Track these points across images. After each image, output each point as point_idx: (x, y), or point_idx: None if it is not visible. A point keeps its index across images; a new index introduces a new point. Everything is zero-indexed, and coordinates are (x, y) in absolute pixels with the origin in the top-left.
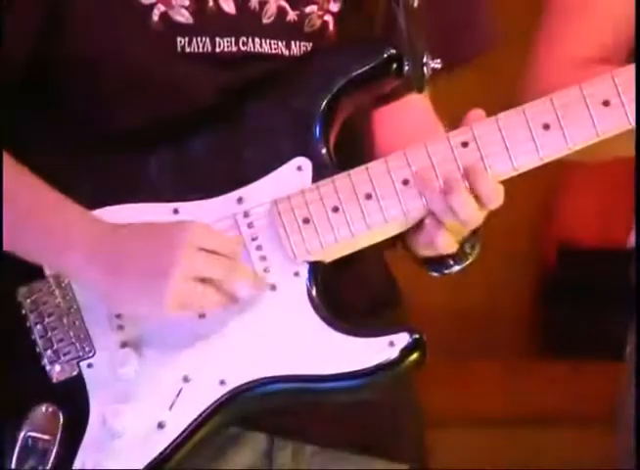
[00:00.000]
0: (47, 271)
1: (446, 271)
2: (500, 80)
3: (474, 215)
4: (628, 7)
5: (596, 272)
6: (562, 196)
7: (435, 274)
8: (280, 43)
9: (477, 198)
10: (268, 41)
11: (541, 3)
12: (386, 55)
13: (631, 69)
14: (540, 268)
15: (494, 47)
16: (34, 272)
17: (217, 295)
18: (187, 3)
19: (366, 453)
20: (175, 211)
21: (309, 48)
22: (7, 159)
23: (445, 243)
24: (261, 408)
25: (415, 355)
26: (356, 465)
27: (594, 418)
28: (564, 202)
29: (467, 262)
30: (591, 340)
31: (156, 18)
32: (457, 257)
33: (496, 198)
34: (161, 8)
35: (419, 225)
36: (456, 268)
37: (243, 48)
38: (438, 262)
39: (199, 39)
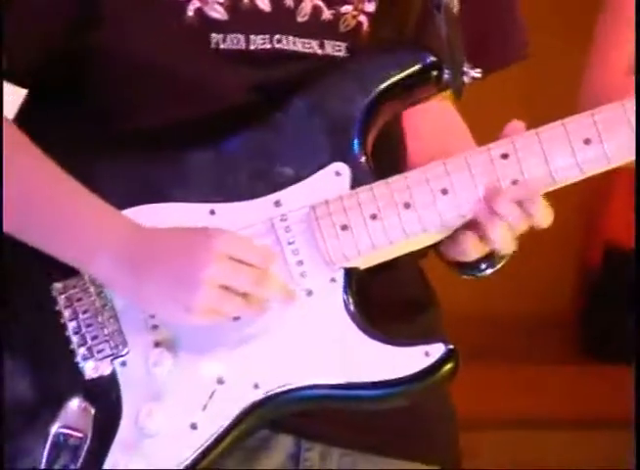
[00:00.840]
0: None
1: (479, 274)
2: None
3: (519, 221)
4: None
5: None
6: (607, 197)
7: (467, 277)
8: (314, 42)
9: (521, 207)
10: (302, 40)
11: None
12: (426, 62)
13: None
14: (585, 271)
15: (528, 56)
16: (69, 268)
17: (245, 305)
18: (221, 0)
19: (397, 456)
20: (212, 212)
21: (343, 48)
22: (41, 156)
23: (478, 252)
24: (293, 412)
25: (449, 366)
26: (387, 466)
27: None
28: (609, 203)
29: (498, 266)
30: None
31: (190, 13)
32: (490, 261)
33: (543, 210)
34: (196, 4)
35: (455, 234)
36: (488, 272)
37: (277, 46)
38: (471, 267)
39: (233, 36)
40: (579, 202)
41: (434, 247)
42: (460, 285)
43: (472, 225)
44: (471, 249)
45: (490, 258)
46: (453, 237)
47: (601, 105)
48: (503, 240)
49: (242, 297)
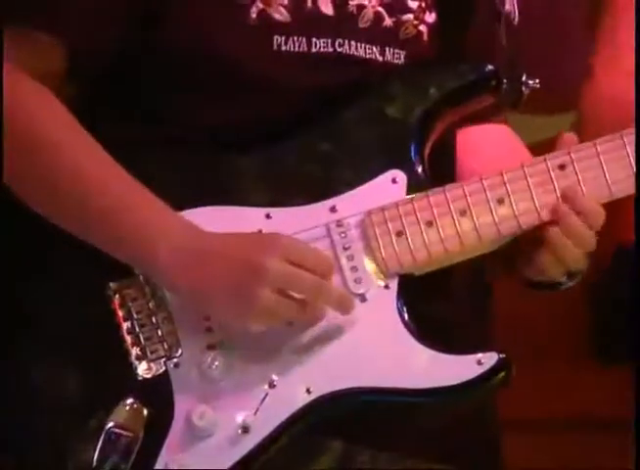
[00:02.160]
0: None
1: (557, 289)
2: None
3: (588, 236)
4: None
5: None
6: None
7: (546, 291)
8: (374, 48)
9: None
10: (363, 45)
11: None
12: (485, 72)
13: None
14: (595, 272)
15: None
16: (126, 268)
17: (302, 311)
18: (286, 2)
19: (443, 463)
20: (268, 217)
21: (402, 56)
22: (106, 156)
23: (559, 272)
24: (344, 418)
25: (501, 375)
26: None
27: None
28: (619, 203)
29: (576, 281)
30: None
31: (254, 15)
32: (568, 278)
33: (598, 216)
34: (260, 5)
35: (531, 254)
36: (567, 285)
37: (339, 49)
38: (549, 284)
39: (295, 38)
40: None
41: (508, 267)
42: None
43: (546, 246)
44: (549, 268)
45: (567, 275)
46: (530, 258)
47: (607, 103)
48: (574, 258)
49: (299, 303)
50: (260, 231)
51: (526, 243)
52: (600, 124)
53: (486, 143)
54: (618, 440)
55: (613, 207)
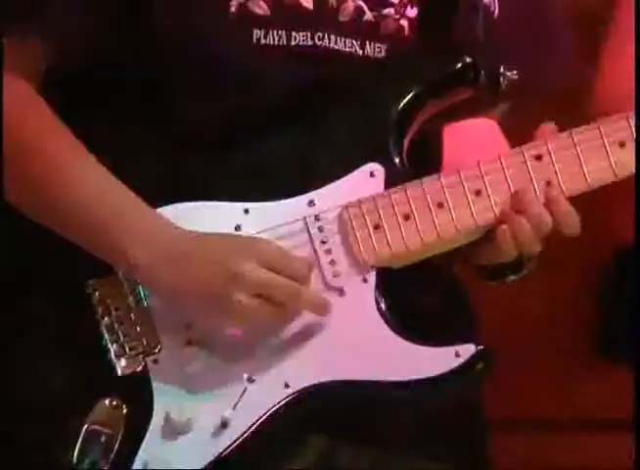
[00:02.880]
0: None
1: (505, 279)
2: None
3: (545, 228)
4: None
5: None
6: (616, 196)
7: (492, 283)
8: (355, 42)
9: (551, 213)
10: (343, 39)
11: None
12: (462, 63)
13: None
14: (597, 271)
15: (574, 84)
16: (105, 266)
17: (279, 314)
18: None
19: (429, 454)
20: (246, 212)
21: (383, 50)
22: (86, 154)
23: (510, 250)
24: (323, 412)
25: (480, 366)
26: (415, 465)
27: None
28: (618, 202)
29: (524, 273)
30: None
31: (233, 8)
32: (515, 267)
33: (572, 219)
34: None
35: (486, 237)
36: (512, 278)
37: (318, 43)
38: (496, 272)
39: (275, 32)
40: (587, 201)
41: (463, 253)
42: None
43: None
44: (501, 245)
45: (516, 262)
46: (486, 240)
47: (614, 94)
48: (527, 239)
49: (276, 307)
50: (239, 226)
51: None
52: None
53: (470, 139)
54: (620, 438)
55: (609, 207)
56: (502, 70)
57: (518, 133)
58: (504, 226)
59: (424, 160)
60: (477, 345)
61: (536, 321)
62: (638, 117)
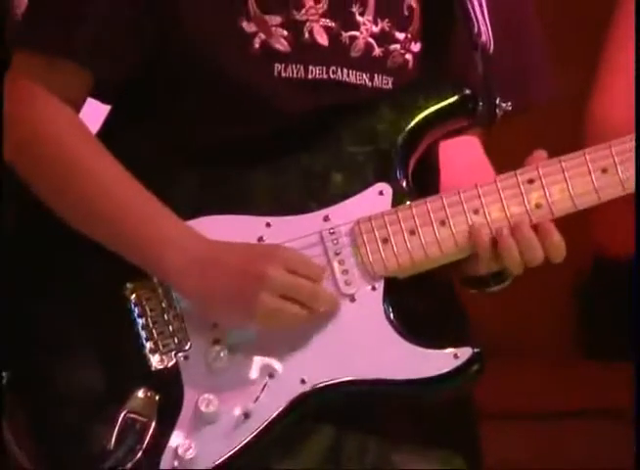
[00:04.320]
0: None
1: (486, 290)
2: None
3: (537, 253)
4: None
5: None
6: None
7: (474, 291)
8: (365, 75)
9: (538, 233)
10: (355, 72)
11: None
12: (462, 94)
13: None
14: (575, 276)
15: (556, 96)
16: (141, 270)
17: (299, 313)
18: (285, 33)
19: (427, 444)
20: (268, 225)
21: (390, 82)
22: (124, 172)
23: (489, 267)
24: (334, 405)
25: (475, 367)
26: (416, 455)
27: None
28: (598, 209)
29: (506, 284)
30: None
31: (257, 45)
32: (498, 278)
33: (561, 250)
34: (262, 36)
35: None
36: (495, 288)
37: (332, 76)
38: (480, 282)
39: (294, 66)
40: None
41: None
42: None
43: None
44: (482, 262)
45: (499, 275)
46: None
47: (605, 129)
48: (512, 262)
49: (297, 306)
50: (261, 238)
51: None
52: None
53: (456, 155)
54: (601, 428)
55: (590, 215)
56: (498, 101)
57: (494, 146)
58: (487, 242)
59: (426, 179)
60: (473, 347)
61: (518, 322)
62: (638, 117)
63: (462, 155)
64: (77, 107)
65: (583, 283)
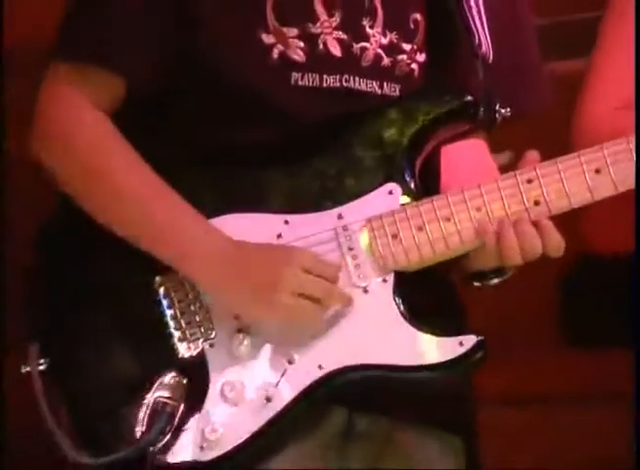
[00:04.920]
0: None
1: (486, 283)
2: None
3: (536, 246)
4: None
5: (613, 275)
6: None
7: (477, 284)
8: (374, 83)
9: (537, 229)
10: (365, 81)
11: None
12: (464, 101)
13: None
14: (559, 272)
15: (552, 102)
16: (167, 266)
17: (316, 309)
18: (302, 45)
19: (428, 425)
20: (286, 222)
21: (397, 89)
22: (155, 177)
23: (492, 262)
24: (347, 389)
25: (479, 354)
26: (419, 435)
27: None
28: (586, 206)
29: (506, 277)
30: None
31: (275, 55)
32: (499, 272)
33: (556, 239)
34: (280, 47)
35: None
36: (495, 281)
37: (345, 85)
38: (481, 276)
39: (310, 75)
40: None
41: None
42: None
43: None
44: (487, 255)
45: (499, 269)
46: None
47: (592, 136)
48: (513, 256)
49: (313, 303)
50: (280, 234)
51: None
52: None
53: (463, 157)
54: (580, 412)
55: (578, 216)
56: (498, 107)
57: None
58: (492, 237)
59: (429, 179)
60: (477, 335)
61: (514, 314)
62: (638, 117)
63: (470, 157)
64: (110, 111)
65: (568, 277)
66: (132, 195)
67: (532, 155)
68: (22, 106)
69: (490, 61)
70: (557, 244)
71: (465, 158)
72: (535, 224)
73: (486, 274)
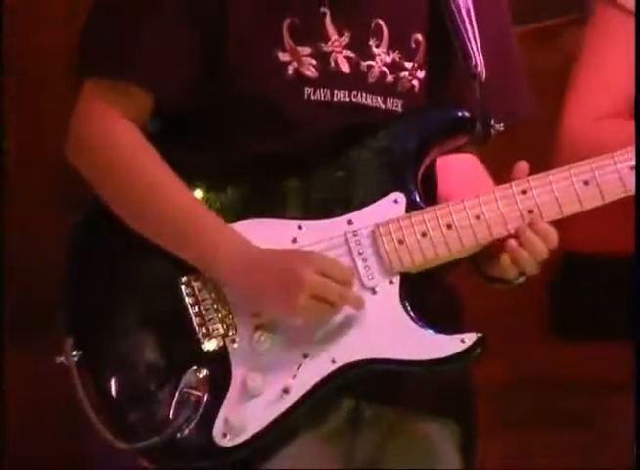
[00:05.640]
0: None
1: (510, 286)
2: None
3: (541, 250)
4: (631, 69)
5: (596, 275)
6: None
7: (498, 286)
8: (379, 98)
9: (538, 234)
10: (371, 96)
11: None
12: (462, 117)
13: None
14: (547, 271)
15: (534, 114)
16: (192, 267)
17: (329, 310)
18: (314, 62)
19: (432, 414)
20: (300, 228)
21: (400, 104)
22: (182, 185)
23: (513, 273)
24: (356, 381)
25: (479, 350)
26: (420, 421)
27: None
28: (570, 218)
29: (522, 279)
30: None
31: (290, 72)
32: (520, 276)
33: (551, 236)
34: (295, 64)
35: (492, 256)
36: (515, 283)
37: (354, 100)
38: (501, 280)
39: (321, 90)
40: None
41: (476, 267)
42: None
43: (508, 252)
44: (507, 271)
45: (520, 275)
46: (494, 260)
47: (573, 149)
48: (529, 265)
49: (328, 304)
50: (295, 239)
51: (494, 249)
52: (565, 162)
53: (456, 170)
54: (564, 397)
55: (564, 220)
56: (492, 122)
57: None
58: (506, 256)
59: (428, 188)
60: (477, 333)
61: (504, 308)
62: (638, 117)
63: (466, 170)
64: (140, 122)
65: (555, 276)
66: (162, 202)
67: (523, 165)
68: (23, 106)
69: (484, 79)
70: (555, 240)
71: (463, 170)
72: (534, 228)
73: (511, 279)
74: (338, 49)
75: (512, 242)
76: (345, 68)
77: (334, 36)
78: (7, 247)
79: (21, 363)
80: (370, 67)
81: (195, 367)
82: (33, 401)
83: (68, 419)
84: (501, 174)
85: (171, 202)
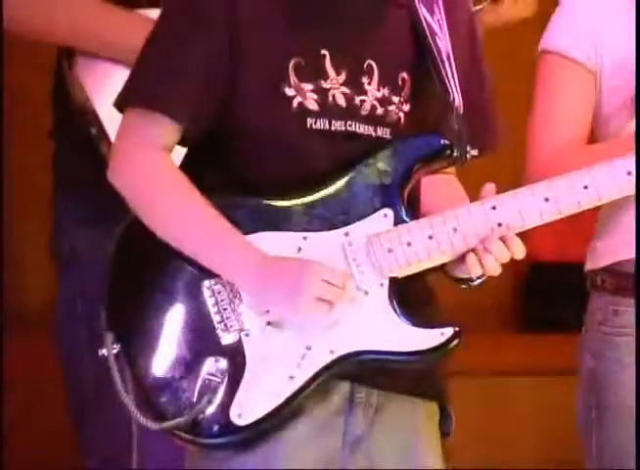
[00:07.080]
0: None
1: (472, 286)
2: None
3: (504, 255)
4: (593, 98)
5: (555, 281)
6: None
7: (463, 287)
8: (370, 128)
9: (505, 242)
10: (364, 126)
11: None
12: (442, 144)
13: (600, 165)
14: (514, 276)
15: (503, 142)
16: (213, 273)
17: (328, 310)
18: (315, 97)
19: (413, 395)
20: (304, 238)
21: (388, 133)
22: (206, 206)
23: (478, 272)
24: (351, 368)
25: (456, 342)
26: (408, 402)
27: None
28: (536, 230)
29: (484, 279)
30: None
31: (295, 105)
32: (481, 277)
33: (517, 243)
34: (299, 99)
35: (461, 259)
36: (477, 282)
37: (349, 129)
38: (466, 280)
39: (321, 120)
40: None
41: (443, 268)
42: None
43: (474, 254)
44: (472, 269)
45: (482, 276)
46: (461, 261)
47: (543, 165)
48: (492, 267)
49: (328, 305)
50: (300, 248)
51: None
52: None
53: (435, 189)
54: (532, 384)
55: (531, 232)
56: (468, 149)
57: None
58: (473, 255)
59: (412, 202)
60: (454, 327)
61: (475, 306)
62: (638, 116)
63: (446, 189)
64: (170, 152)
65: (524, 278)
66: (187, 217)
67: (490, 186)
68: (22, 105)
69: (461, 112)
70: (520, 250)
71: (446, 190)
72: (502, 238)
73: (473, 279)
74: (336, 86)
75: (479, 245)
76: (342, 102)
77: (332, 75)
78: (6, 246)
79: (20, 363)
80: (363, 101)
81: (215, 358)
82: (33, 401)
83: (67, 419)
84: (476, 191)
85: (195, 217)
